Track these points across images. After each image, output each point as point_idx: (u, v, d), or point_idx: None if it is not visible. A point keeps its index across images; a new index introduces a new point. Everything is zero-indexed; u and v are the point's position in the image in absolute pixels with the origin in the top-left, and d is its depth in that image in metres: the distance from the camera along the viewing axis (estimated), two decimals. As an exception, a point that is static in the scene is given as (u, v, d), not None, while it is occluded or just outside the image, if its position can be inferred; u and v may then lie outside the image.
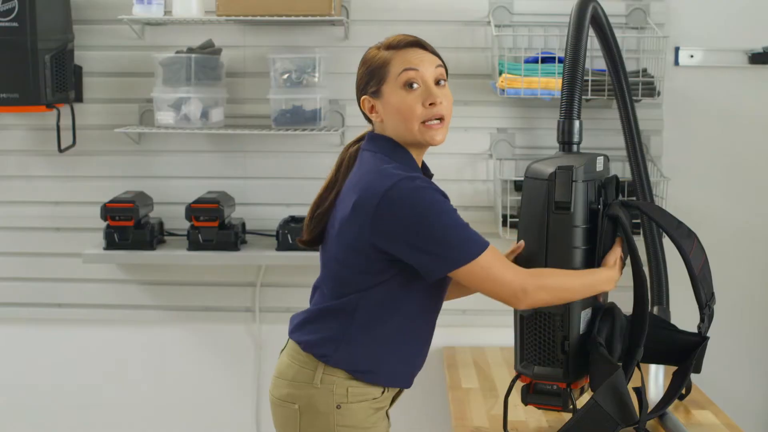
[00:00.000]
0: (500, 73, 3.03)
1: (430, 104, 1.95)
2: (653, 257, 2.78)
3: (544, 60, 3.05)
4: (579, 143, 2.22)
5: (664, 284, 2.81)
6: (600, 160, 2.17)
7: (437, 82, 1.99)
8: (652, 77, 3.05)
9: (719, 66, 3.21)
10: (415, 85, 1.96)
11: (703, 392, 2.87)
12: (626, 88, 2.58)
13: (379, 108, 2.00)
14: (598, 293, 2.12)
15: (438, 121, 1.97)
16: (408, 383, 2.09)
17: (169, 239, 3.27)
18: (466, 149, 3.25)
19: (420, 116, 1.96)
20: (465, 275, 1.90)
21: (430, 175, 2.12)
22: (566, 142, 2.21)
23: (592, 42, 3.14)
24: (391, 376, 2.04)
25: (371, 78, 2.00)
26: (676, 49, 3.20)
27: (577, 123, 2.19)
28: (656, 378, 2.69)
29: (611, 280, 2.09)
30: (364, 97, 2.03)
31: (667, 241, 3.09)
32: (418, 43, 2.00)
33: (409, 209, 1.88)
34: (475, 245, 1.90)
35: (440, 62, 2.01)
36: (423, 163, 2.10)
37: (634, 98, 3.02)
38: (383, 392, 2.04)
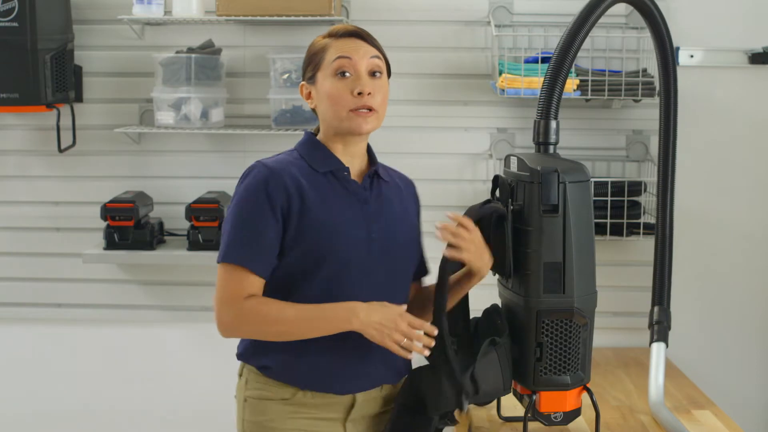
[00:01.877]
0: (500, 73, 3.03)
1: (359, 93, 1.95)
2: (660, 258, 2.76)
3: (544, 60, 3.04)
4: (555, 144, 2.20)
5: (666, 286, 2.81)
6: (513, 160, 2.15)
7: (372, 73, 1.98)
8: (652, 77, 3.05)
9: (719, 66, 3.21)
10: (347, 74, 1.96)
11: (703, 392, 2.87)
12: (673, 88, 2.51)
13: (314, 94, 2.02)
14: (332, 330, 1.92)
15: (367, 111, 1.97)
16: (328, 388, 1.97)
17: (169, 239, 3.27)
18: (466, 149, 3.26)
19: (348, 104, 1.96)
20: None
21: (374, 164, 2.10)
22: (542, 142, 2.19)
23: (593, 42, 3.16)
24: (295, 375, 1.98)
25: (308, 64, 2.02)
26: (676, 49, 3.20)
27: (554, 123, 2.17)
28: (656, 378, 2.68)
29: (347, 321, 1.89)
30: (302, 83, 2.05)
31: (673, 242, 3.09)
32: (357, 34, 2.00)
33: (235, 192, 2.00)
34: (228, 251, 1.95)
35: (377, 54, 2.00)
36: (370, 154, 2.09)
37: (634, 98, 3.03)
38: (297, 394, 1.99)
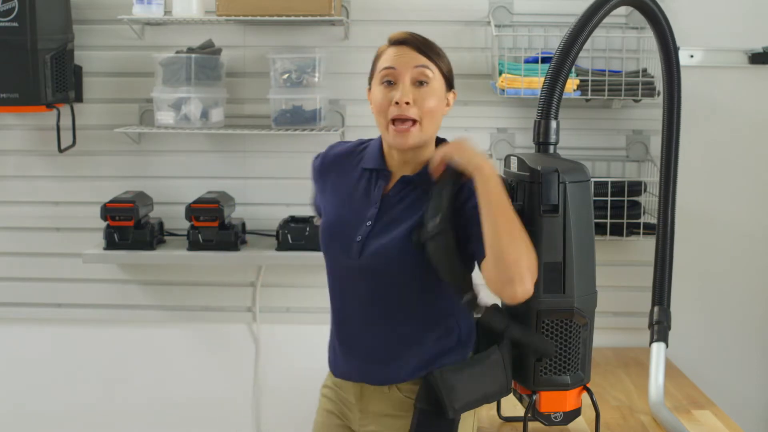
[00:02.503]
0: (500, 73, 3.03)
1: (396, 102, 1.96)
2: (660, 258, 2.76)
3: (544, 60, 3.04)
4: (555, 144, 2.19)
5: (666, 285, 2.80)
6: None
7: (417, 83, 1.98)
8: (652, 77, 3.05)
9: (719, 66, 3.21)
10: (392, 82, 1.98)
11: (703, 392, 2.87)
12: (677, 89, 2.51)
13: (370, 99, 2.05)
14: None
15: (407, 123, 1.96)
16: (333, 370, 2.13)
17: (169, 239, 3.27)
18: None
19: (388, 113, 1.97)
20: None
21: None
22: (542, 142, 2.18)
23: (593, 42, 3.16)
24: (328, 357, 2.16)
25: (371, 70, 2.06)
26: (676, 49, 3.19)
27: (554, 123, 2.17)
28: (656, 378, 2.69)
29: None
30: (367, 87, 2.08)
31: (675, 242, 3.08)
32: (407, 41, 2.00)
33: None
34: None
35: (424, 62, 1.98)
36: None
37: (634, 98, 3.03)
38: (329, 375, 2.16)
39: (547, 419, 2.11)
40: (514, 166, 2.14)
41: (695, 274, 3.28)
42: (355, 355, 2.06)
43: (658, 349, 2.73)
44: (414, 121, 1.97)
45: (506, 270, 1.84)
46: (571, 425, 2.50)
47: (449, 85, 2.05)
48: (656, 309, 2.79)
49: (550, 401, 2.10)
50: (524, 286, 1.84)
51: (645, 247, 3.11)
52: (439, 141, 2.08)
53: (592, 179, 3.03)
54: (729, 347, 3.32)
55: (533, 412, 2.11)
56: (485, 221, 1.86)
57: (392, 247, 1.97)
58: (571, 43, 2.18)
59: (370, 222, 2.00)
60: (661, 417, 2.55)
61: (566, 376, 2.09)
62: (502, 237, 1.84)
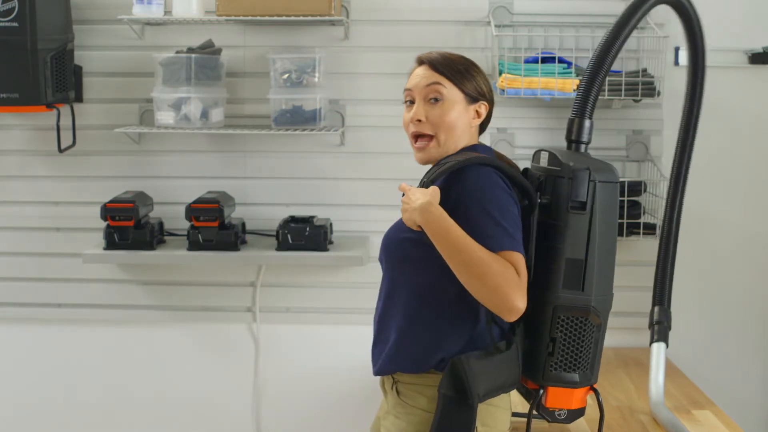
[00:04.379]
0: (500, 73, 3.03)
1: (410, 121, 2.08)
2: (662, 257, 2.76)
3: (544, 60, 3.05)
4: (587, 143, 2.19)
5: (667, 285, 2.80)
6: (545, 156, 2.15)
7: (431, 99, 2.06)
8: (652, 77, 3.05)
9: (719, 66, 3.21)
10: (412, 102, 2.09)
11: (703, 392, 2.87)
12: (699, 86, 2.54)
13: None
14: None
15: (425, 139, 2.06)
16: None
17: (169, 239, 3.27)
18: (466, 149, 3.25)
19: (409, 132, 2.10)
20: None
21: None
22: (575, 140, 2.18)
23: (594, 42, 3.15)
24: None
25: None
26: (676, 49, 3.20)
27: (588, 122, 2.17)
28: (656, 378, 2.69)
29: None
30: None
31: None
32: (424, 61, 2.10)
33: None
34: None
35: (436, 80, 2.06)
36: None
37: (634, 98, 3.03)
38: None
39: (551, 415, 2.11)
40: (544, 160, 2.15)
41: (695, 274, 3.28)
42: (373, 339, 2.13)
43: (658, 349, 2.73)
44: (431, 137, 2.06)
45: (489, 304, 1.90)
46: (571, 425, 2.50)
47: (474, 98, 2.09)
48: (656, 309, 2.78)
49: (556, 397, 2.09)
50: (512, 311, 1.89)
51: (645, 247, 3.11)
52: (475, 147, 2.10)
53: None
54: (729, 347, 3.32)
55: (538, 407, 2.11)
56: (451, 267, 1.93)
57: (387, 236, 2.10)
58: (611, 41, 2.17)
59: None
60: (661, 417, 2.55)
61: (575, 374, 2.08)
62: (469, 282, 1.90)
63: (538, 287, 2.03)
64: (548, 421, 2.12)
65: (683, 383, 2.94)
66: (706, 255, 3.29)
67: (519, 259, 1.91)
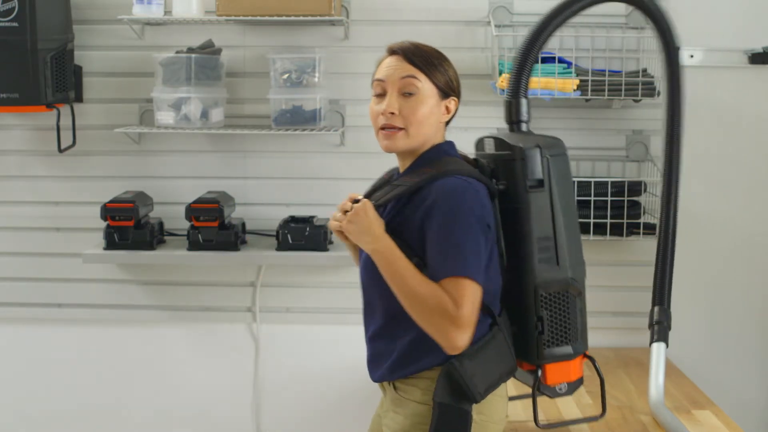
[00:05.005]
0: (500, 73, 3.03)
1: (382, 113, 2.02)
2: (662, 256, 2.76)
3: (544, 60, 3.05)
4: (528, 122, 2.20)
5: (667, 285, 2.80)
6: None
7: (404, 93, 2.01)
8: (652, 77, 3.05)
9: (719, 66, 3.21)
10: (382, 93, 2.03)
11: (703, 392, 2.87)
12: (677, 85, 2.49)
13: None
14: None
15: (393, 129, 2.01)
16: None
17: (169, 239, 3.27)
18: (466, 149, 3.24)
19: (378, 123, 2.04)
20: None
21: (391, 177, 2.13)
22: (515, 121, 2.19)
23: (593, 42, 3.16)
24: None
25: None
26: (676, 46, 3.19)
27: (525, 101, 2.19)
28: (656, 378, 2.69)
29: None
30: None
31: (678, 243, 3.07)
32: (399, 51, 2.03)
33: None
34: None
35: (412, 72, 2.01)
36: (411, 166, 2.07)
37: (634, 98, 3.03)
38: None
39: (552, 392, 2.14)
40: (490, 147, 2.15)
41: (695, 274, 3.28)
42: (368, 351, 2.13)
43: (658, 349, 2.73)
44: (400, 129, 2.02)
45: (432, 336, 1.92)
46: (572, 426, 2.51)
47: (446, 93, 2.06)
48: (656, 309, 2.78)
49: (555, 373, 2.11)
50: (451, 349, 1.91)
51: (645, 247, 3.11)
52: (444, 147, 2.09)
53: (593, 179, 3.06)
54: (729, 347, 3.32)
55: (539, 387, 2.13)
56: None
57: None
58: (545, 23, 2.20)
59: None
60: (661, 417, 2.55)
61: (568, 347, 2.10)
62: (410, 313, 1.93)
63: (515, 272, 2.05)
64: (551, 397, 2.14)
65: (683, 383, 2.94)
66: (706, 255, 3.29)
67: (466, 285, 1.89)
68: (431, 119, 2.03)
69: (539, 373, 2.10)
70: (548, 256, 2.04)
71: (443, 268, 1.90)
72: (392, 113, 2.00)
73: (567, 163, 2.09)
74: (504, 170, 2.07)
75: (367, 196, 2.09)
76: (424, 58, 2.03)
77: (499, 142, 2.11)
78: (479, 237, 1.93)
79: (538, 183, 2.03)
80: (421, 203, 1.97)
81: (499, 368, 2.03)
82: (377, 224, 1.97)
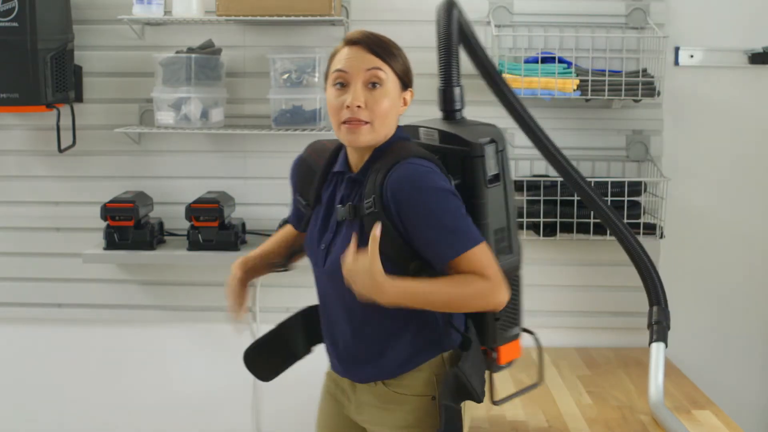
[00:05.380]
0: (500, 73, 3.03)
1: (347, 106, 1.93)
2: (637, 257, 2.78)
3: (544, 60, 3.05)
4: (461, 110, 2.19)
5: (657, 285, 2.81)
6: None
7: (369, 84, 1.94)
8: (652, 77, 3.05)
9: (719, 66, 3.21)
10: (344, 84, 1.94)
11: (703, 392, 2.87)
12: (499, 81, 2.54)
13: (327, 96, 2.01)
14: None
15: (358, 123, 1.93)
16: (333, 365, 2.13)
17: (169, 239, 3.27)
18: (466, 149, 3.25)
19: (340, 116, 1.94)
20: None
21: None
22: (449, 110, 2.17)
23: (593, 42, 3.16)
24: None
25: (326, 70, 2.03)
26: (676, 49, 3.20)
27: (458, 89, 2.17)
28: (656, 378, 2.69)
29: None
30: (324, 86, 2.05)
31: (665, 240, 3.09)
32: (360, 42, 1.95)
33: None
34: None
35: (377, 64, 1.93)
36: (370, 159, 2.00)
37: (634, 98, 3.03)
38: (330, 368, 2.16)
39: (500, 368, 2.20)
40: (432, 138, 2.11)
41: (695, 273, 3.29)
42: (341, 356, 2.09)
43: (657, 349, 2.73)
44: (366, 122, 1.94)
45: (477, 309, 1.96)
46: (570, 424, 2.51)
47: (405, 84, 2.01)
48: (655, 309, 2.79)
49: (508, 353, 2.17)
50: (499, 306, 1.94)
51: (645, 247, 3.10)
52: (397, 138, 2.02)
53: (592, 179, 3.06)
54: (729, 347, 3.32)
55: (493, 367, 2.18)
56: None
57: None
58: (448, 10, 2.19)
59: (328, 226, 2.03)
60: (660, 417, 2.55)
61: (517, 327, 2.17)
62: (459, 310, 1.99)
63: None
64: (492, 372, 2.18)
65: (683, 383, 2.94)
66: (706, 255, 3.29)
67: (479, 251, 1.89)
68: (393, 112, 1.98)
69: (494, 355, 2.15)
70: (504, 245, 2.06)
71: (451, 251, 1.88)
72: (359, 106, 1.92)
73: (506, 149, 2.11)
74: (459, 165, 2.03)
75: (338, 200, 2.01)
76: (385, 49, 1.96)
77: (445, 135, 2.07)
78: (461, 207, 1.91)
79: (495, 178, 2.03)
80: (389, 202, 1.90)
81: (483, 363, 2.06)
82: (382, 281, 1.83)
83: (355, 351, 2.05)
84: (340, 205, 1.98)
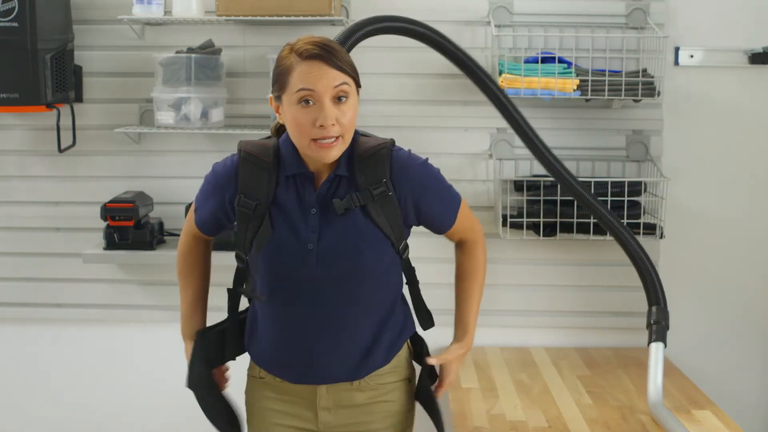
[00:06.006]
0: (500, 73, 3.03)
1: (321, 125, 1.90)
2: (636, 257, 2.79)
3: (544, 60, 3.05)
4: None
5: (656, 285, 2.81)
6: None
7: (336, 99, 1.91)
8: (652, 77, 3.05)
9: (719, 66, 3.21)
10: (310, 102, 1.90)
11: (703, 392, 2.87)
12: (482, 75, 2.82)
13: (281, 111, 1.96)
14: None
15: (331, 140, 1.91)
16: (284, 376, 2.08)
17: (169, 239, 3.27)
18: (466, 149, 3.26)
19: (311, 134, 1.91)
20: None
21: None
22: None
23: (593, 42, 3.16)
24: (260, 359, 2.13)
25: (275, 81, 1.95)
26: (676, 49, 3.20)
27: None
28: (655, 378, 2.69)
29: None
30: (270, 95, 1.99)
31: (664, 241, 3.09)
32: (321, 56, 1.89)
33: None
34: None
35: (344, 79, 1.90)
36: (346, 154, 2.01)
37: (634, 98, 3.03)
38: (267, 375, 2.12)
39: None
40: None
41: (695, 273, 3.28)
42: (320, 361, 2.04)
43: (656, 349, 2.73)
44: (337, 137, 1.92)
45: None
46: (570, 425, 2.51)
47: (358, 86, 1.98)
48: (654, 309, 2.79)
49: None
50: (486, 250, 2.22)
51: (645, 247, 3.10)
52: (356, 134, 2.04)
53: (593, 179, 3.06)
54: (729, 347, 3.32)
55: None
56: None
57: (350, 242, 1.97)
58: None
59: (311, 226, 1.98)
60: (659, 417, 2.55)
61: None
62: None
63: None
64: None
65: (683, 383, 2.94)
66: (705, 255, 3.29)
67: (464, 207, 2.13)
68: (355, 117, 1.97)
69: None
70: None
71: (452, 214, 2.09)
72: (333, 124, 1.89)
73: None
74: None
75: (315, 199, 2.00)
76: (343, 59, 1.92)
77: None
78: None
79: None
80: (402, 182, 2.00)
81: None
82: (461, 355, 2.19)
83: (348, 347, 2.03)
84: (337, 200, 1.97)
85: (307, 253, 1.97)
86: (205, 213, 2.10)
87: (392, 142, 2.04)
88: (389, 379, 2.09)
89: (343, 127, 1.92)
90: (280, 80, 1.93)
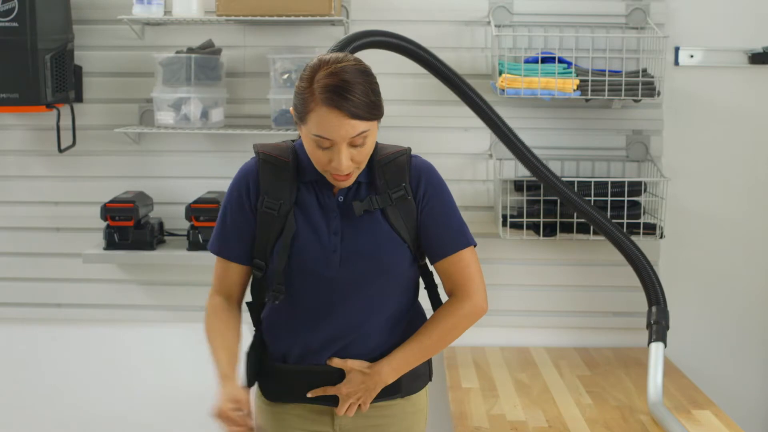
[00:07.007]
0: (500, 73, 3.03)
1: (335, 169, 1.89)
2: (634, 258, 2.79)
3: (544, 60, 3.05)
4: None
5: (655, 285, 2.81)
6: None
7: (355, 145, 1.88)
8: (652, 77, 3.05)
9: (719, 66, 3.21)
10: (326, 145, 1.87)
11: (703, 392, 2.87)
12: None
13: (300, 131, 1.93)
14: None
15: (347, 174, 1.91)
16: (269, 395, 2.21)
17: (169, 239, 3.27)
18: (466, 149, 3.26)
19: (326, 168, 1.91)
20: None
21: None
22: None
23: (593, 42, 3.16)
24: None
25: (296, 105, 1.90)
26: (676, 49, 3.20)
27: None
28: (655, 378, 2.69)
29: None
30: (292, 108, 1.94)
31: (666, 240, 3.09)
32: (342, 107, 1.82)
33: None
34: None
35: (363, 128, 1.86)
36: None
37: (634, 98, 3.03)
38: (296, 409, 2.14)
39: None
40: None
41: (695, 274, 3.28)
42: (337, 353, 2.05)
43: (656, 348, 2.73)
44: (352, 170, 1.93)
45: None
46: (570, 425, 2.51)
47: (380, 116, 1.97)
48: (654, 309, 2.79)
49: None
50: (481, 314, 2.05)
51: (645, 247, 3.11)
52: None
53: (593, 179, 3.06)
54: (729, 347, 3.32)
55: None
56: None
57: (368, 244, 1.97)
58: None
59: (333, 229, 1.98)
60: (659, 417, 2.55)
61: None
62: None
63: None
64: None
65: (683, 383, 2.94)
66: (705, 255, 3.29)
67: (470, 253, 2.03)
68: (374, 144, 1.97)
69: None
70: None
71: (452, 246, 2.01)
72: (348, 167, 1.89)
73: None
74: None
75: (334, 203, 2.00)
76: (364, 103, 1.86)
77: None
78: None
79: None
80: (420, 186, 2.01)
81: None
82: (378, 379, 2.01)
83: (383, 347, 2.02)
84: (356, 201, 1.97)
85: (331, 255, 1.96)
86: (231, 230, 2.13)
87: (410, 150, 2.05)
88: (415, 391, 2.10)
89: (359, 163, 1.93)
90: (299, 109, 1.88)
